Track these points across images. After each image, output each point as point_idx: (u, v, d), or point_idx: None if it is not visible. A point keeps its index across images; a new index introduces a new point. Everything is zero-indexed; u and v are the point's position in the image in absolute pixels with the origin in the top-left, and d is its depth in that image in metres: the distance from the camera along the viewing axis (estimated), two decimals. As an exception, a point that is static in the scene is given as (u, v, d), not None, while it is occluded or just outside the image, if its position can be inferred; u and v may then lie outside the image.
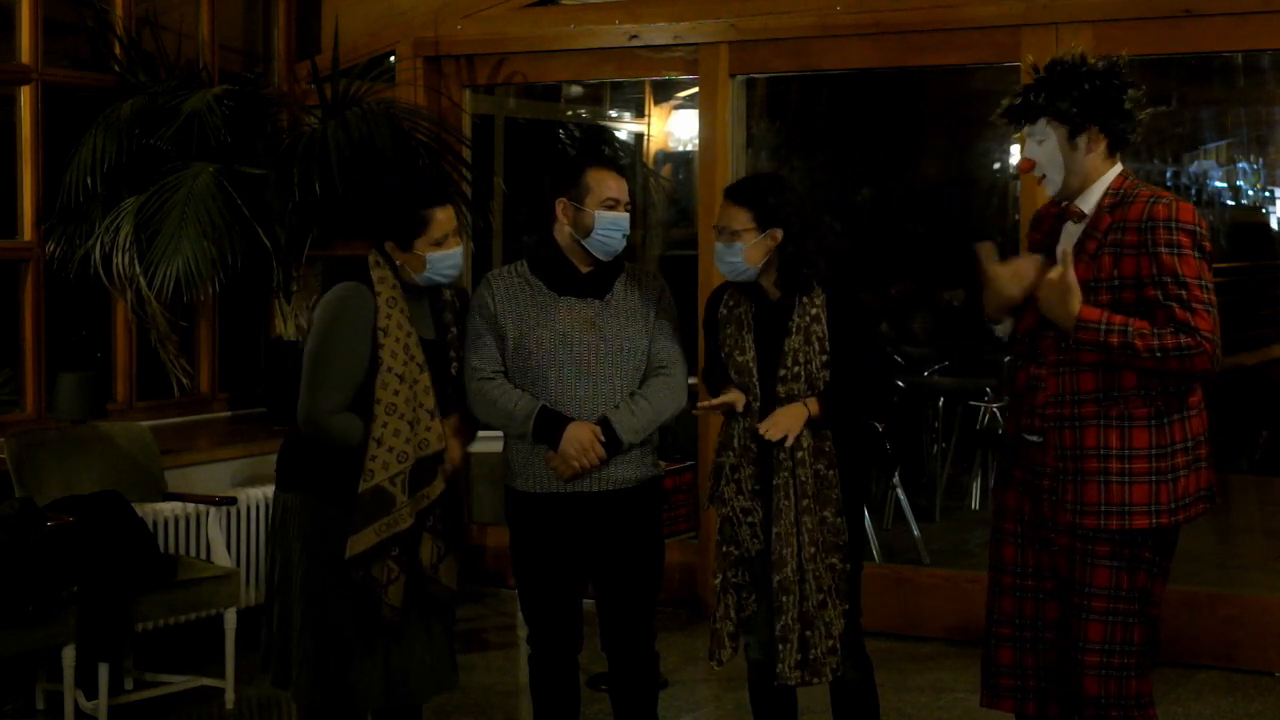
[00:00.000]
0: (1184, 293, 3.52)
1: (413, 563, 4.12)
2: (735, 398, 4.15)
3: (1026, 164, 3.78)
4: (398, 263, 4.15)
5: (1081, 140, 3.69)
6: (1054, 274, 3.60)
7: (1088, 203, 3.72)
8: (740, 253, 4.10)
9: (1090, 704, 3.69)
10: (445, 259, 4.15)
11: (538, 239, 4.31)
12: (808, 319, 4.12)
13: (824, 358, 4.11)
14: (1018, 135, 3.88)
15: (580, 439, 4.10)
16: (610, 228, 4.18)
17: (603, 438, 4.11)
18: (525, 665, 4.51)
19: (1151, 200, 3.61)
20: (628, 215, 4.21)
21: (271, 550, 4.30)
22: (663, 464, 4.41)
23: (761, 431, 4.06)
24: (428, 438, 4.11)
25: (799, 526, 4.07)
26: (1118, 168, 3.73)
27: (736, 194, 4.15)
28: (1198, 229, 3.57)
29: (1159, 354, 3.52)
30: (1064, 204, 3.77)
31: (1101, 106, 3.67)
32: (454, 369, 4.25)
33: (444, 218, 4.14)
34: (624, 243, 4.22)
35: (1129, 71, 3.73)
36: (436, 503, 4.16)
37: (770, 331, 4.16)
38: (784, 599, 4.07)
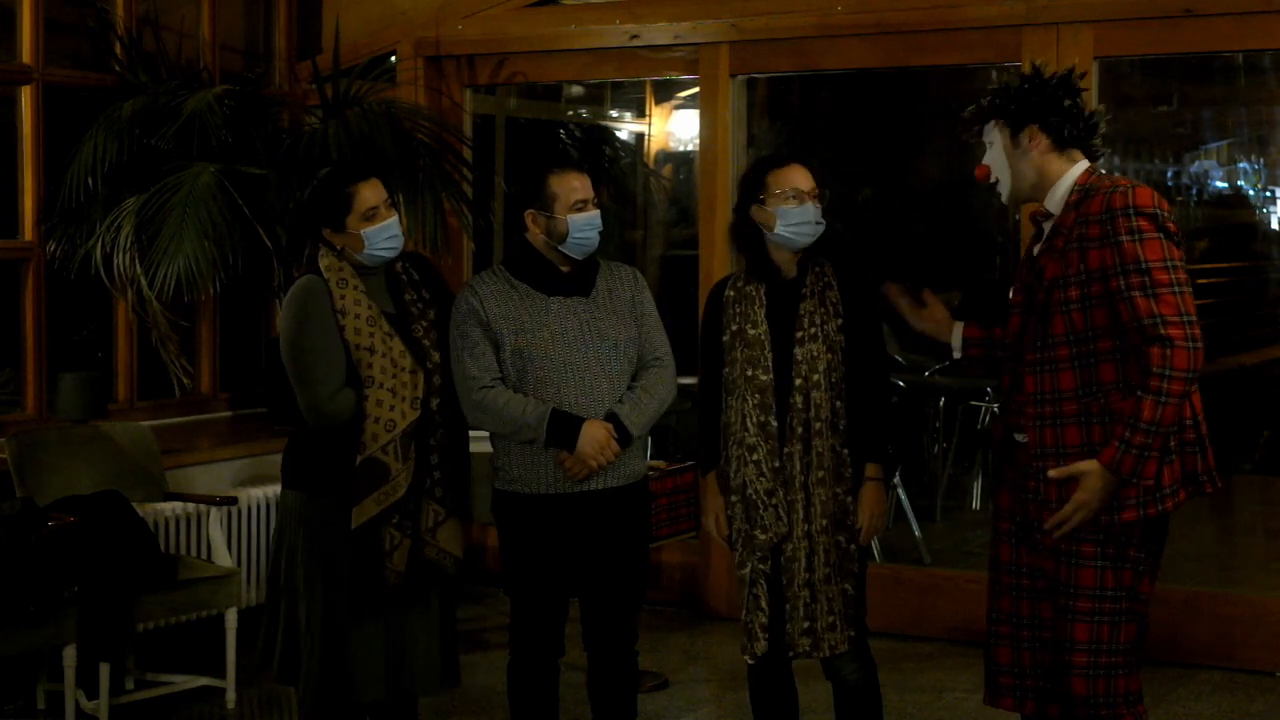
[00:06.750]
0: (1146, 279, 3.52)
1: (415, 529, 4.19)
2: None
3: (982, 171, 3.88)
4: (339, 247, 4.24)
5: (1024, 138, 3.77)
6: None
7: (1054, 201, 3.77)
8: (817, 212, 4.17)
9: (1079, 704, 3.70)
10: (380, 232, 4.23)
11: (516, 244, 4.33)
12: (821, 284, 4.20)
13: (839, 321, 4.15)
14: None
15: (597, 438, 4.10)
16: (585, 228, 4.21)
17: (616, 434, 4.12)
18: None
19: (1110, 191, 3.62)
20: (598, 211, 4.23)
21: (276, 549, 4.34)
22: (662, 463, 4.41)
23: (863, 527, 4.18)
24: (418, 395, 4.17)
25: (810, 497, 4.10)
26: (1081, 165, 3.76)
27: (799, 158, 4.26)
28: (1158, 211, 3.56)
29: (1163, 396, 3.49)
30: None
31: (1037, 105, 3.75)
32: (419, 335, 4.25)
33: (369, 192, 4.24)
34: (599, 239, 4.24)
35: (1079, 80, 3.82)
36: (435, 467, 4.21)
37: (784, 307, 4.19)
38: (793, 567, 4.11)
